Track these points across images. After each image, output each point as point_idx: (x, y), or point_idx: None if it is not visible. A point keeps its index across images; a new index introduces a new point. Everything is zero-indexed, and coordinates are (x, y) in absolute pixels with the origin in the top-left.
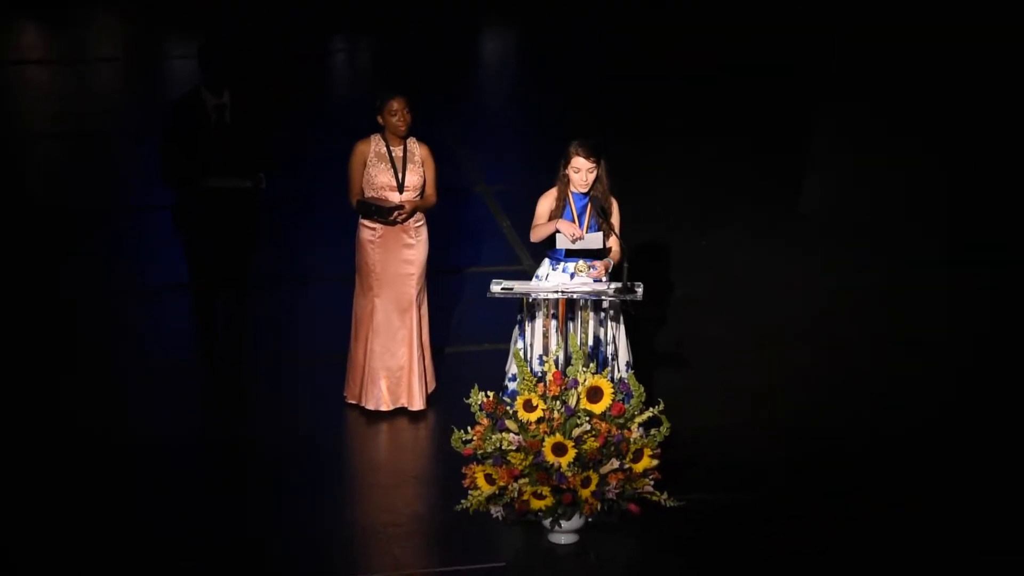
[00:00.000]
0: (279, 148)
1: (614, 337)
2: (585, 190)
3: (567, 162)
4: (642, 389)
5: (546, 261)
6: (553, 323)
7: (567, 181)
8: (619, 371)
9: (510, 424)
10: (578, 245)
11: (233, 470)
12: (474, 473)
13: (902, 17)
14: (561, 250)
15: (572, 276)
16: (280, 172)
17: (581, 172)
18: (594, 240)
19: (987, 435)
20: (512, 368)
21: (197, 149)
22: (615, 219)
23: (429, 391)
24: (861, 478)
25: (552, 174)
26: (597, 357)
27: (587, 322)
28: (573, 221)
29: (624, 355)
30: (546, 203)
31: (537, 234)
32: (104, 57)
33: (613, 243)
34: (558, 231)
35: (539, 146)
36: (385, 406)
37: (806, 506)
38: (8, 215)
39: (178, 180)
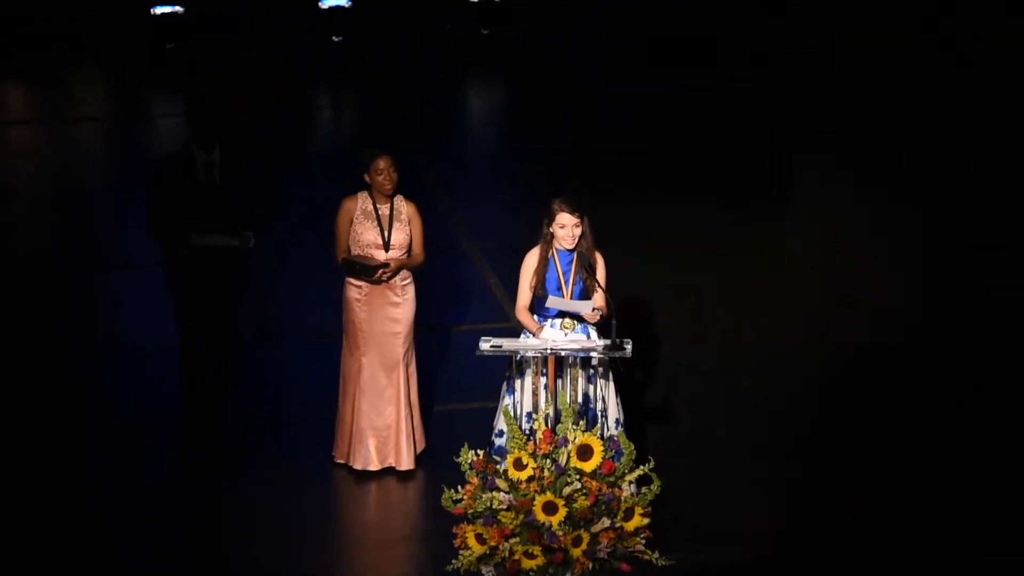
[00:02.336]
0: (267, 205)
1: (603, 394)
2: (571, 246)
3: (551, 219)
4: (632, 447)
5: (535, 318)
6: (542, 380)
7: (550, 239)
8: (608, 428)
9: (500, 483)
10: (566, 308)
11: (219, 530)
12: (465, 533)
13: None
14: (551, 309)
15: (563, 332)
16: (268, 229)
17: (567, 228)
18: (583, 306)
19: (982, 500)
20: (500, 424)
21: (185, 206)
22: (601, 274)
23: (418, 450)
24: (851, 536)
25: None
26: (587, 414)
27: (576, 379)
28: (558, 279)
29: (614, 412)
30: (531, 261)
31: (522, 318)
32: (89, 116)
33: (600, 299)
34: (544, 293)
35: (526, 203)
36: (373, 466)
37: (797, 565)
38: None
39: (164, 237)
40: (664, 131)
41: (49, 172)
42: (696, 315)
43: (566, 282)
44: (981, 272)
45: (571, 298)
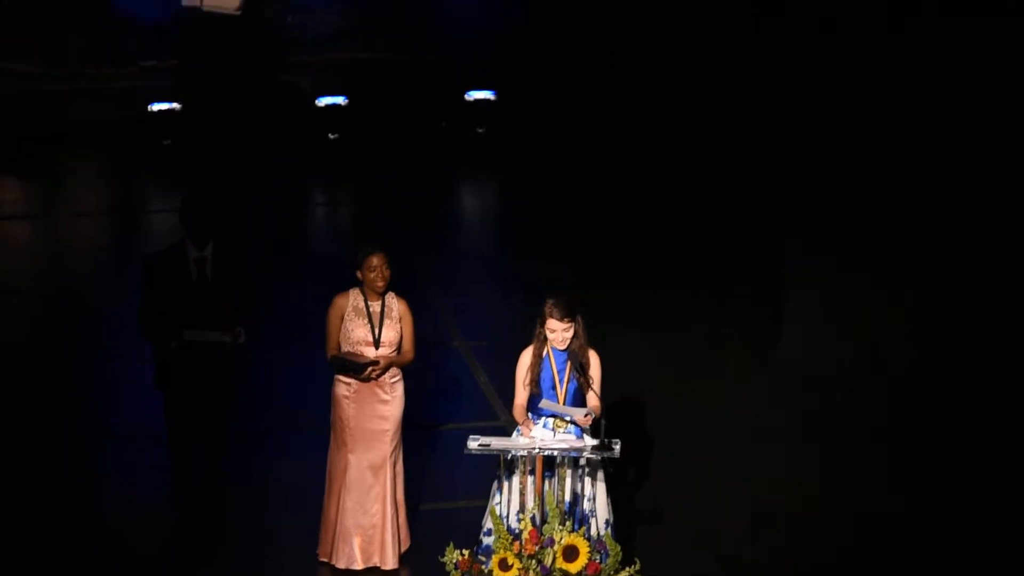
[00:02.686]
0: (258, 301)
1: (593, 494)
2: (563, 348)
3: (543, 322)
4: (619, 548)
5: (529, 415)
6: (530, 480)
7: (544, 338)
8: (598, 528)
9: None
10: (559, 412)
11: None
12: None
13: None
14: (544, 409)
15: (552, 431)
16: (258, 323)
17: (557, 332)
18: (576, 412)
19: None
20: (488, 523)
21: (176, 302)
22: (595, 372)
23: (403, 549)
24: None
25: (530, 329)
26: (575, 514)
27: (564, 479)
28: (553, 377)
29: (604, 513)
30: (525, 360)
31: (516, 415)
32: (86, 212)
33: (593, 399)
34: (539, 391)
35: (518, 301)
36: (357, 565)
37: None
38: None
39: (157, 333)
40: (658, 228)
41: (45, 266)
42: (687, 411)
43: (560, 381)
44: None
45: (566, 396)
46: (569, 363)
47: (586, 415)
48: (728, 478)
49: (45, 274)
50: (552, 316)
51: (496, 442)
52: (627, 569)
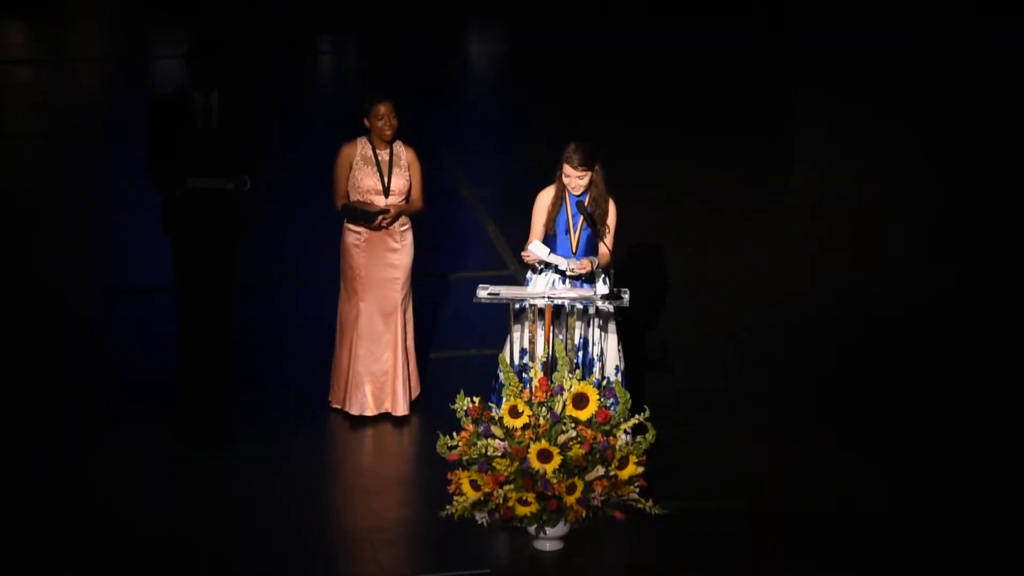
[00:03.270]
0: (264, 150)
1: (603, 342)
2: (578, 194)
3: (560, 168)
4: (628, 396)
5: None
6: (539, 328)
7: (563, 181)
8: (607, 375)
9: (495, 430)
10: (546, 259)
11: (213, 471)
12: (459, 479)
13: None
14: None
15: (564, 276)
16: (265, 174)
17: (571, 179)
18: (560, 261)
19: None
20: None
21: (182, 149)
22: (611, 221)
23: (413, 396)
24: (848, 488)
25: (540, 178)
26: (584, 360)
27: (573, 327)
28: (567, 220)
29: (614, 359)
30: (544, 200)
31: (528, 259)
32: (90, 57)
33: (602, 248)
34: (555, 232)
35: (526, 150)
36: (369, 411)
37: (791, 514)
38: None
39: (162, 180)
40: (667, 81)
41: (48, 112)
42: (698, 265)
43: (574, 226)
44: (984, 222)
45: (578, 241)
46: (591, 208)
47: (573, 266)
48: (737, 329)
49: (50, 119)
50: (568, 162)
51: (505, 291)
52: (636, 416)
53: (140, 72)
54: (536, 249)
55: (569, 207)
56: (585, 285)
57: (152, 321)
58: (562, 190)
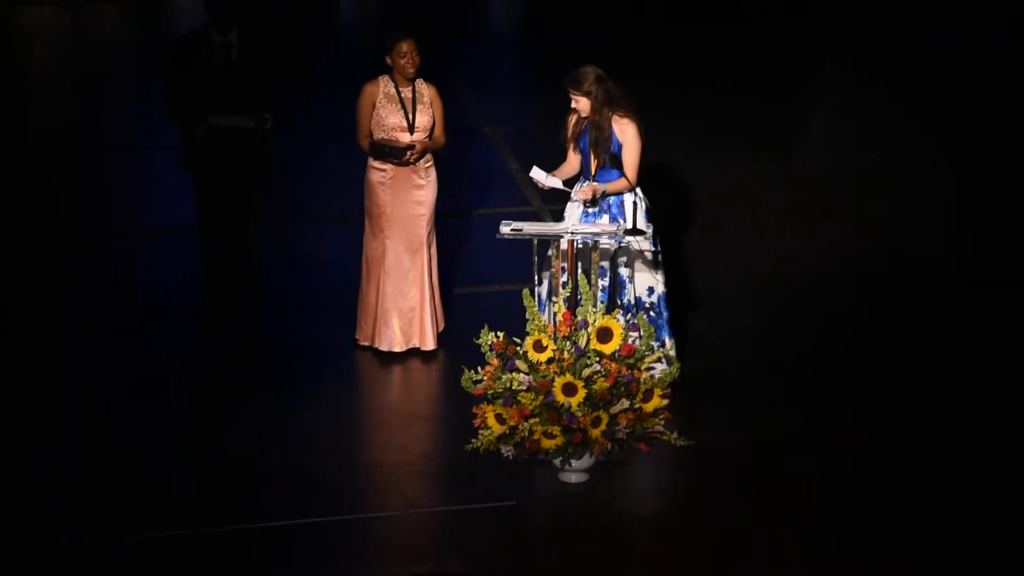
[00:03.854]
0: (285, 88)
1: (632, 260)
2: (585, 116)
3: None
4: (652, 330)
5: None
6: (562, 263)
7: None
8: (636, 294)
9: (520, 364)
10: (546, 183)
11: (241, 410)
12: (484, 413)
13: None
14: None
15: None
16: (285, 112)
17: (572, 102)
18: (557, 183)
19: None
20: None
21: (202, 87)
22: (629, 143)
23: (439, 331)
24: (869, 417)
25: (557, 113)
26: (616, 280)
27: (596, 262)
28: (588, 143)
29: (645, 281)
30: (569, 122)
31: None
32: None
33: (626, 171)
34: (580, 150)
35: (546, 86)
36: (398, 347)
37: (815, 445)
38: (12, 153)
39: (183, 117)
40: (688, 32)
41: (67, 52)
42: (715, 203)
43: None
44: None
45: (597, 165)
46: (589, 131)
47: (583, 189)
48: (753, 266)
49: (69, 58)
50: (565, 83)
51: (528, 227)
52: (660, 350)
53: (158, 11)
54: (535, 174)
55: (589, 128)
56: (613, 209)
57: (174, 261)
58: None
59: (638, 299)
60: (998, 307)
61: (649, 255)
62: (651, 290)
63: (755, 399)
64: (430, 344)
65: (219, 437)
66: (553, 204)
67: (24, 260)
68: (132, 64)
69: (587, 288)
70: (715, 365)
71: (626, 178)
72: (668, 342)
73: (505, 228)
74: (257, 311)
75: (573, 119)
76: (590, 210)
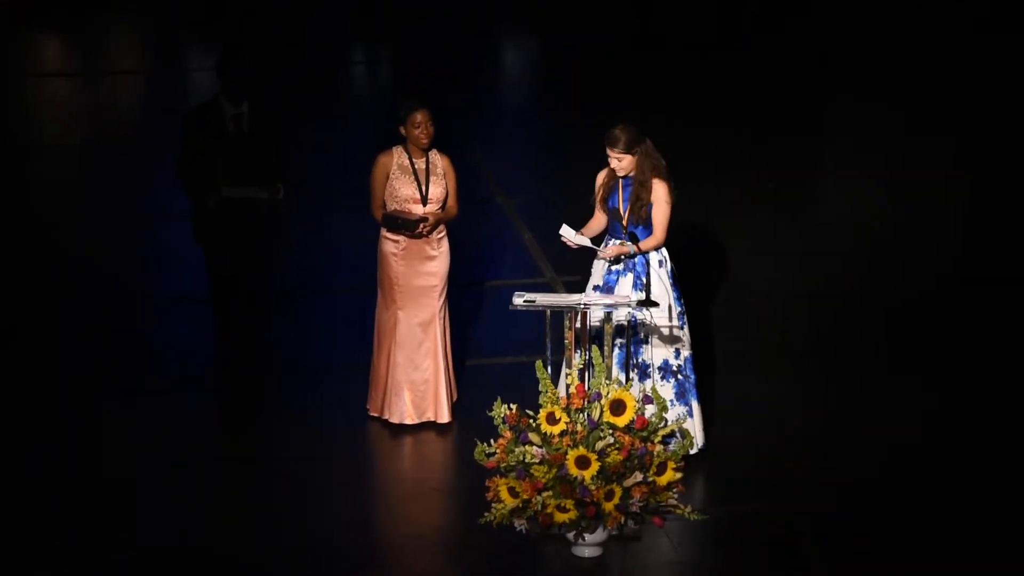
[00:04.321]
0: (297, 159)
1: (651, 320)
2: (622, 175)
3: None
4: (665, 402)
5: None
6: (575, 335)
7: None
8: (652, 359)
9: (533, 437)
10: (576, 242)
11: (253, 482)
12: (497, 486)
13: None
14: (617, 228)
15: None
16: (297, 183)
17: (611, 160)
18: (587, 241)
19: (994, 447)
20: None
21: (215, 158)
22: (660, 206)
23: (452, 402)
24: (878, 489)
25: (575, 186)
26: (628, 361)
27: (609, 334)
28: (618, 198)
29: (671, 343)
30: (599, 181)
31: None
32: (124, 70)
33: (655, 231)
34: (607, 210)
35: (559, 157)
36: (410, 419)
37: (828, 518)
38: (26, 224)
39: (196, 189)
40: (696, 88)
41: (83, 124)
42: (737, 266)
43: (624, 207)
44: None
45: (628, 224)
46: (631, 191)
47: (609, 249)
48: (763, 336)
49: (85, 131)
50: (606, 143)
51: (541, 298)
52: (673, 423)
53: (173, 85)
54: (565, 232)
55: (620, 188)
56: (638, 267)
57: (186, 332)
58: (614, 171)
59: (664, 362)
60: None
61: (666, 330)
62: (678, 352)
63: (766, 471)
64: (445, 417)
65: (224, 509)
66: (566, 275)
67: (33, 332)
68: (148, 137)
69: (600, 360)
70: (727, 437)
71: (655, 236)
72: (696, 406)
73: (518, 299)
74: (267, 381)
75: (602, 177)
76: (614, 268)
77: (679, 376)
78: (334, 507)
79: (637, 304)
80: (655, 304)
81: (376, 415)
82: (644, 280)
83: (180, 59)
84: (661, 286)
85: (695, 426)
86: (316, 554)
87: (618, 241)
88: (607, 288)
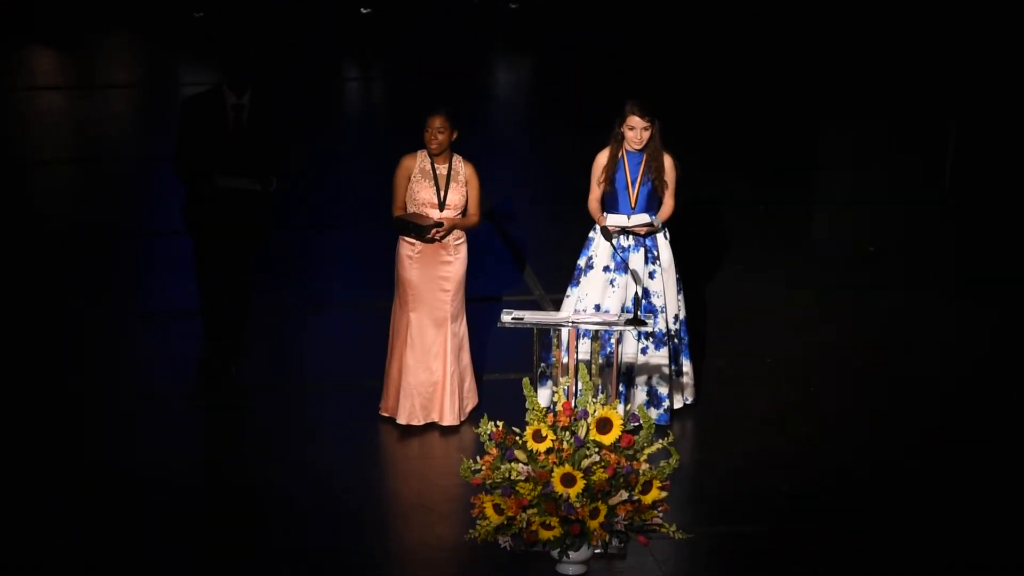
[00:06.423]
0: (292, 157)
1: (664, 289)
2: (639, 147)
3: (622, 120)
4: (652, 420)
5: (604, 213)
6: (563, 353)
7: (621, 139)
8: (668, 324)
9: (519, 454)
10: (624, 226)
11: (252, 487)
12: (483, 503)
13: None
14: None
15: (620, 248)
16: (290, 178)
17: (636, 130)
18: (639, 219)
19: (988, 462)
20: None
21: (212, 147)
22: (670, 176)
23: (470, 407)
24: (867, 509)
25: (564, 203)
26: (646, 308)
27: (597, 352)
28: (626, 178)
29: (673, 309)
30: (601, 160)
31: (592, 209)
32: (118, 84)
33: (667, 200)
34: (613, 191)
35: (548, 177)
36: (417, 421)
37: (813, 538)
38: (18, 238)
39: (189, 174)
40: (691, 109)
41: (77, 138)
42: (717, 289)
43: (633, 182)
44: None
45: (637, 197)
46: (643, 164)
47: (645, 224)
48: (754, 355)
49: (79, 145)
50: (633, 113)
51: (530, 316)
52: (660, 441)
53: (166, 100)
54: (615, 221)
55: (627, 165)
56: (648, 241)
57: (184, 345)
58: (618, 149)
59: (659, 332)
60: None
61: (675, 289)
62: (676, 318)
63: (753, 490)
64: (448, 419)
65: (215, 520)
66: (554, 293)
67: (26, 344)
68: (142, 149)
69: (587, 378)
70: (714, 455)
71: (671, 203)
72: (687, 364)
73: (506, 317)
74: (282, 380)
75: (604, 158)
76: (626, 244)
77: (675, 340)
78: (322, 517)
79: (626, 323)
80: (643, 323)
81: (387, 415)
82: (638, 290)
83: (172, 74)
84: (668, 251)
85: (687, 384)
86: (296, 566)
87: (637, 218)
88: (621, 264)
